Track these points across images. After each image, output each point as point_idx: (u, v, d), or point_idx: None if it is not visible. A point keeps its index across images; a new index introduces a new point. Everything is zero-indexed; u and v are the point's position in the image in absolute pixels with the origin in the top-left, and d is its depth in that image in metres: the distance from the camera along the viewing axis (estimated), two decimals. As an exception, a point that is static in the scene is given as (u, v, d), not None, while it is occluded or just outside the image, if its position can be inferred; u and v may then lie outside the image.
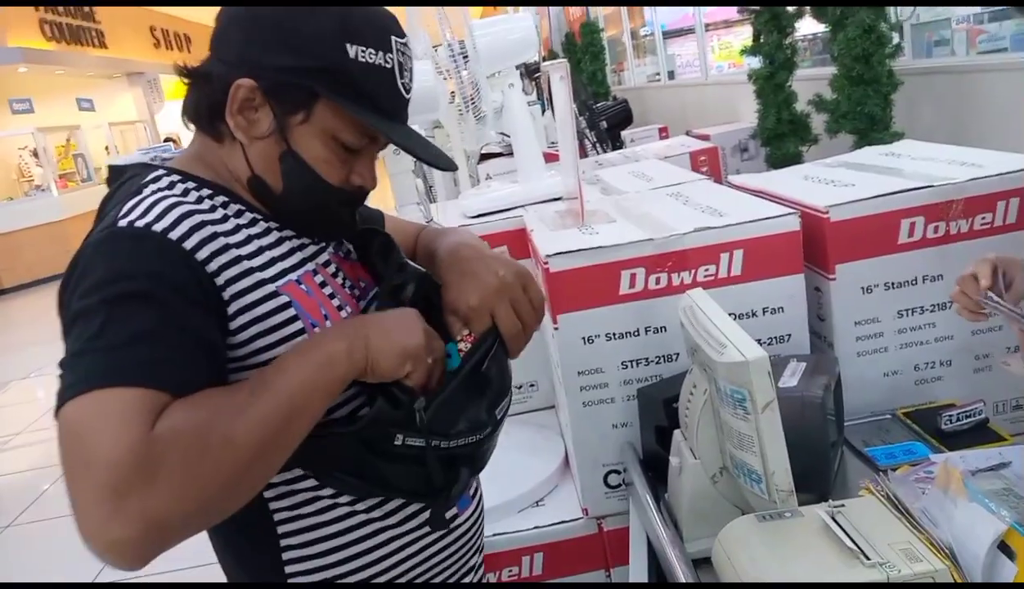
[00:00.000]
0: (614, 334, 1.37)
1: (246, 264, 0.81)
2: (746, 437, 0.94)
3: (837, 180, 1.52)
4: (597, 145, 3.06)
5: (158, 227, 0.77)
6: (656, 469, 1.28)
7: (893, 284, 1.36)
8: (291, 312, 0.83)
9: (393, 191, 1.50)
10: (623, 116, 3.39)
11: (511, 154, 2.38)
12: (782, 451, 0.92)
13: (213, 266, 0.78)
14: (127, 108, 13.53)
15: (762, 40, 3.40)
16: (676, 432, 1.17)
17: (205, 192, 0.85)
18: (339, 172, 0.87)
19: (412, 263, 1.00)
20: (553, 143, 2.75)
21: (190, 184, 0.85)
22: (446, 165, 0.96)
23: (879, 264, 1.35)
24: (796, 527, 0.92)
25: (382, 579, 0.90)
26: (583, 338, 1.37)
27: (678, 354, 1.38)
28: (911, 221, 1.34)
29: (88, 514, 0.65)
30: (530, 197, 1.89)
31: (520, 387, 1.91)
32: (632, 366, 1.39)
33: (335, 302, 0.89)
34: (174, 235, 0.77)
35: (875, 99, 2.30)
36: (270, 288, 0.82)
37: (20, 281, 9.62)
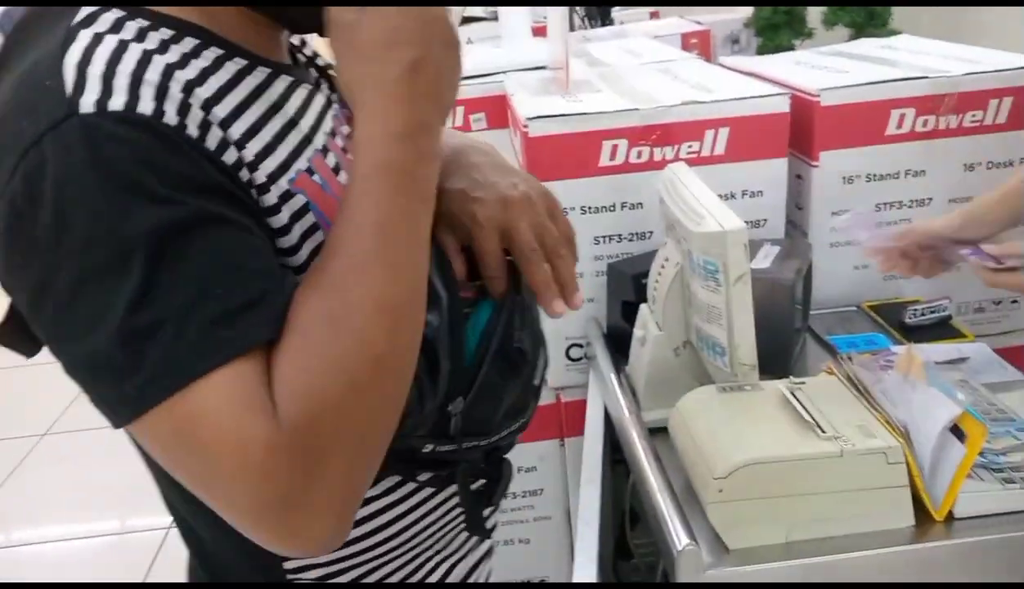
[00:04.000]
0: (589, 208, 1.34)
1: (249, 150, 0.58)
2: (715, 309, 0.93)
3: (830, 67, 1.48)
4: (585, 19, 2.95)
5: (145, 108, 0.50)
6: (619, 344, 1.29)
7: (875, 176, 1.34)
8: (310, 219, 0.61)
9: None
10: (615, -7, 3.26)
11: (495, 19, 2.28)
12: (749, 325, 0.92)
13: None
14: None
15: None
16: (643, 306, 1.17)
17: (166, 34, 0.56)
18: None
19: None
20: (543, 18, 2.64)
21: (143, 22, 0.55)
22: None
23: (864, 154, 1.32)
24: (755, 399, 0.92)
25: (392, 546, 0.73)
26: (558, 209, 1.34)
27: (651, 232, 1.36)
28: (901, 113, 1.30)
29: (260, 533, 0.51)
30: (513, 63, 1.81)
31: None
32: (604, 242, 1.37)
33: None
34: (170, 120, 0.51)
35: (876, -8, 2.24)
36: (282, 187, 0.59)
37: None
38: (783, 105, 1.29)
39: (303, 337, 0.51)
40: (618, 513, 1.45)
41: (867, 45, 1.69)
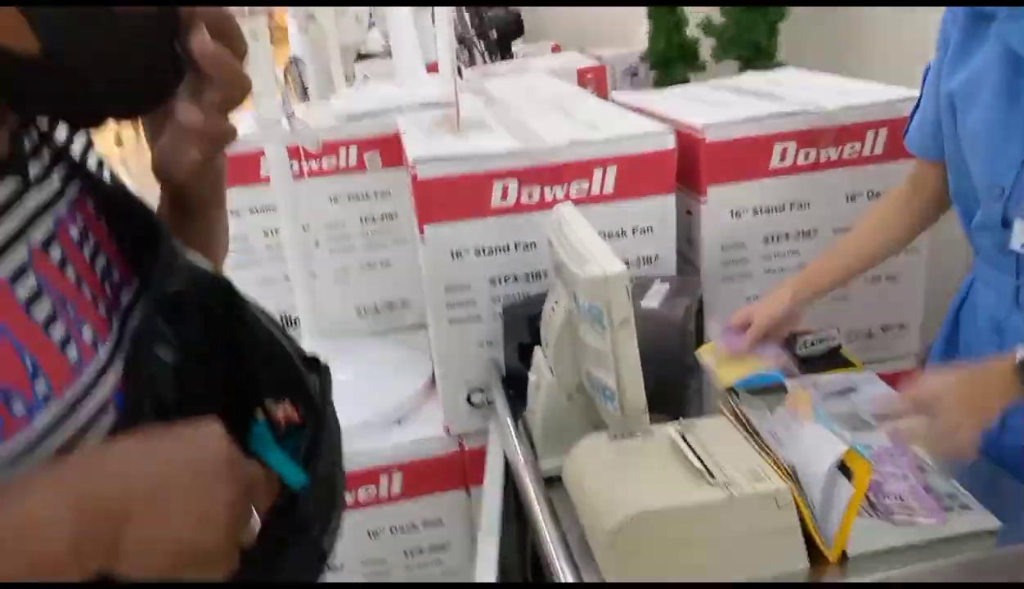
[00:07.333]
0: (483, 249, 1.32)
1: None
2: (602, 354, 0.91)
3: (717, 101, 1.50)
4: (486, 54, 2.95)
5: None
6: (518, 388, 1.26)
7: (761, 209, 1.36)
8: None
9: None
10: (514, 27, 3.26)
11: (391, 56, 2.25)
12: (636, 369, 0.90)
13: None
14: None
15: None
16: (537, 349, 1.14)
17: None
18: None
19: (190, 255, 0.60)
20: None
21: None
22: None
23: (750, 188, 1.34)
24: (646, 445, 0.90)
25: None
26: (451, 252, 1.31)
27: (546, 272, 1.34)
28: (784, 146, 1.33)
29: None
30: (407, 101, 1.79)
31: (391, 305, 1.84)
32: (500, 283, 1.34)
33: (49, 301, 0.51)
34: None
35: (762, 27, 2.30)
36: None
37: None
38: (669, 142, 1.29)
39: None
40: (525, 562, 1.41)
41: (754, 79, 1.73)
